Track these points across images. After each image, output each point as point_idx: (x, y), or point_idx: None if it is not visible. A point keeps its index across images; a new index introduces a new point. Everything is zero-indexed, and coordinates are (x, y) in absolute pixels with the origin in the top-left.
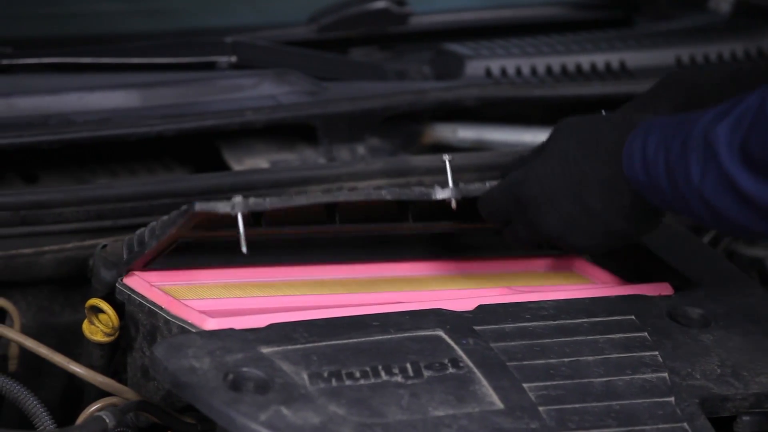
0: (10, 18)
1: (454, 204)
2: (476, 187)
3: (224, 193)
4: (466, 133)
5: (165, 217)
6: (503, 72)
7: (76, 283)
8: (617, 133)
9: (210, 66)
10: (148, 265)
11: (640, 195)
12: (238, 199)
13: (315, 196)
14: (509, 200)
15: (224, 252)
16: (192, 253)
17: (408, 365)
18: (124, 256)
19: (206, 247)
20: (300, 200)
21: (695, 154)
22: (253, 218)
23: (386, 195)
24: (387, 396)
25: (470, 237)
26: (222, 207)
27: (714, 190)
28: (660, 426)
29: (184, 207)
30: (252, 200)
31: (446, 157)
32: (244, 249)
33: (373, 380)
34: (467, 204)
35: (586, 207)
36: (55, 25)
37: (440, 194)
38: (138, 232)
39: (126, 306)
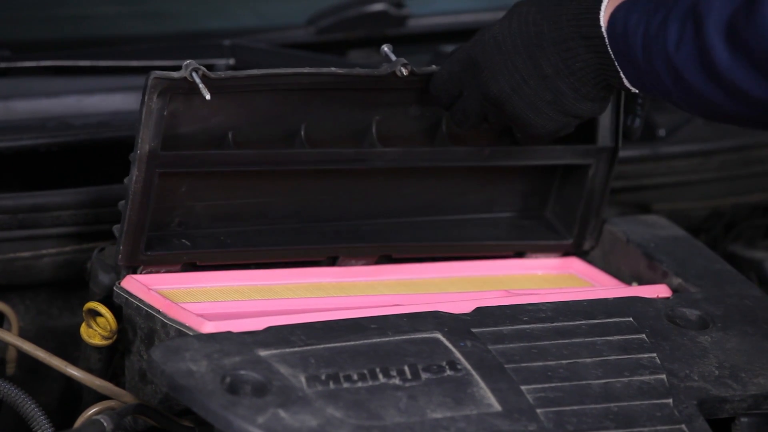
0: (8, 21)
1: (406, 71)
2: (429, 69)
3: None
4: None
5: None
6: None
7: (74, 286)
8: (582, 3)
9: (208, 69)
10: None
11: (606, 67)
12: (189, 62)
13: (269, 71)
14: (462, 64)
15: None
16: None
17: (406, 368)
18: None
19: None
20: (252, 72)
21: (675, 25)
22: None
23: (336, 70)
24: (385, 399)
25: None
26: (177, 74)
27: (686, 61)
28: (658, 428)
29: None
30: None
31: (385, 46)
32: (207, 96)
33: (370, 383)
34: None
35: (539, 68)
36: (54, 28)
37: (390, 68)
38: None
39: (124, 309)
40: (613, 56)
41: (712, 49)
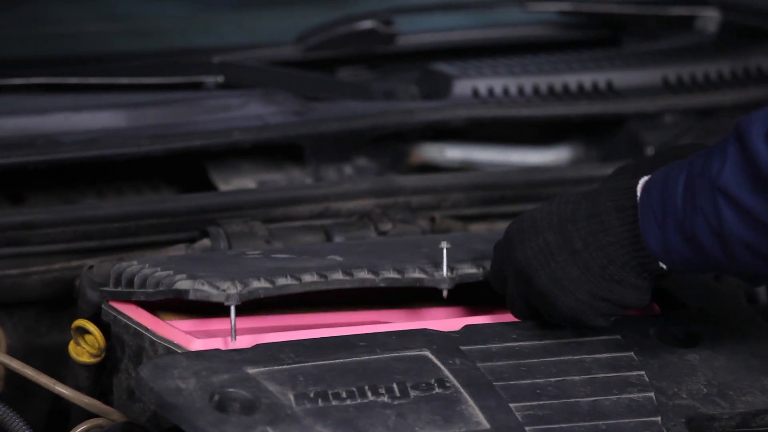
0: None
1: (445, 294)
2: (470, 273)
3: (211, 213)
4: (453, 152)
5: (159, 273)
6: (490, 92)
7: (62, 304)
8: (622, 180)
9: (197, 86)
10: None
11: (637, 244)
12: (232, 290)
13: (308, 284)
14: (501, 246)
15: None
16: None
17: (394, 385)
18: (111, 281)
19: None
20: (294, 288)
21: (717, 154)
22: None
23: (380, 282)
24: (373, 416)
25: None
26: (216, 296)
27: (731, 179)
28: None
29: (177, 286)
30: (246, 290)
31: (444, 245)
32: (233, 341)
33: (359, 400)
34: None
35: (569, 242)
36: (42, 45)
37: (433, 283)
38: (129, 269)
39: (112, 327)
40: (640, 223)
41: (758, 155)
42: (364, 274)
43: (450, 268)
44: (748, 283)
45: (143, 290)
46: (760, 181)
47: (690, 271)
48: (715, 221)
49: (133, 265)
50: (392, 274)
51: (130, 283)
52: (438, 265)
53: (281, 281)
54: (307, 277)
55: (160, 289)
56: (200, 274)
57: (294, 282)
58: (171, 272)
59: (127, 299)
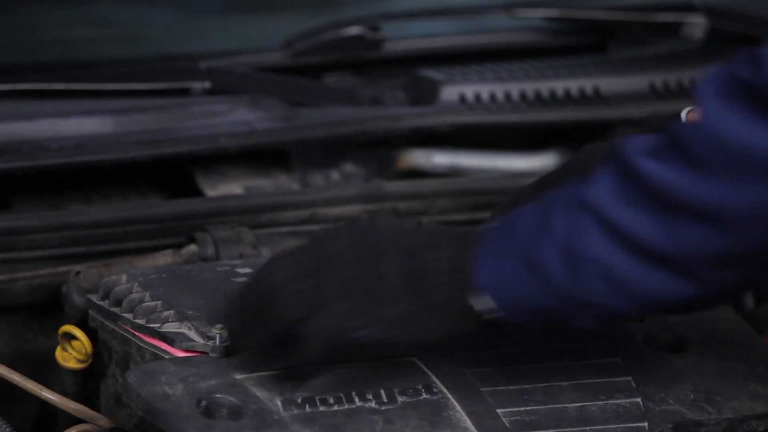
0: None
1: None
2: None
3: (198, 219)
4: (440, 158)
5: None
6: (477, 97)
7: (49, 309)
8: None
9: (184, 92)
10: None
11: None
12: (217, 341)
13: None
14: None
15: None
16: None
17: (382, 391)
18: (99, 294)
19: None
20: None
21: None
22: None
23: None
24: (361, 422)
25: None
26: (201, 347)
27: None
28: None
29: (165, 330)
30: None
31: None
32: None
33: (346, 406)
34: None
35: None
36: (29, 51)
37: None
38: (118, 289)
39: (99, 333)
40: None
41: (640, 170)
42: None
43: None
44: (582, 323)
45: (130, 320)
46: (638, 196)
47: (520, 309)
48: (570, 240)
49: (121, 284)
50: None
51: (118, 303)
52: None
53: None
54: None
55: (147, 326)
56: (188, 312)
57: None
58: (159, 304)
59: (113, 320)
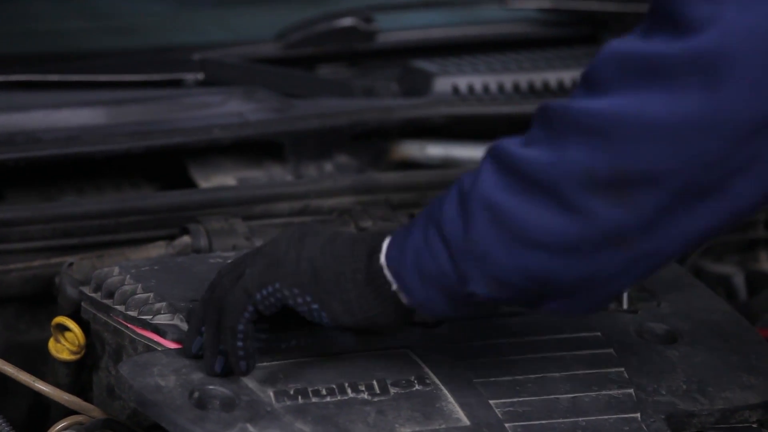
0: None
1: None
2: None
3: (191, 210)
4: (433, 150)
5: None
6: (470, 89)
7: (42, 301)
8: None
9: (177, 83)
10: None
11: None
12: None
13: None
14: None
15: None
16: None
17: (374, 382)
18: (91, 285)
19: None
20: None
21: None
22: None
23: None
24: (353, 413)
25: None
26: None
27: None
28: None
29: (156, 321)
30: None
31: None
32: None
33: (339, 397)
34: None
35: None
36: (22, 42)
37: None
38: (110, 281)
39: (91, 324)
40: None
41: (509, 151)
42: None
43: None
44: (477, 286)
45: (122, 312)
46: (514, 179)
47: (418, 282)
48: (468, 186)
49: (114, 276)
50: None
51: (110, 295)
52: None
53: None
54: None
55: (139, 318)
56: (180, 304)
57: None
58: (151, 296)
59: (105, 312)
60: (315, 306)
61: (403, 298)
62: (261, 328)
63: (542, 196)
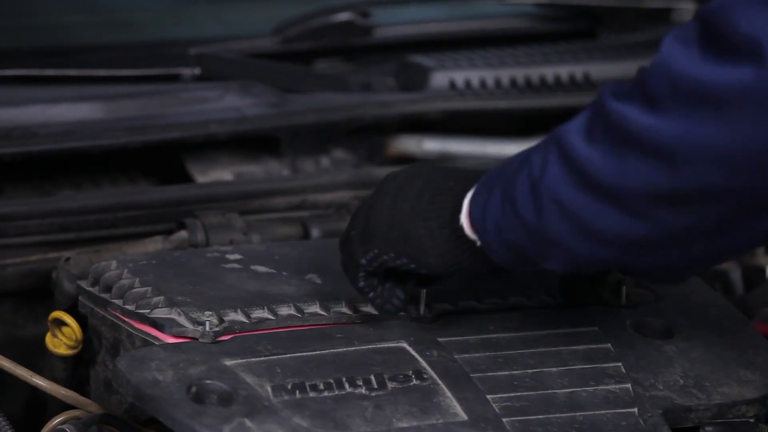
0: None
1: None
2: (449, 308)
3: (188, 205)
4: (430, 144)
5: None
6: (467, 84)
7: (39, 295)
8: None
9: (174, 78)
10: None
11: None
12: (207, 327)
13: (284, 319)
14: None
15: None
16: None
17: (372, 377)
18: (89, 280)
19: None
20: (270, 323)
21: (536, 155)
22: None
23: (356, 319)
24: (351, 408)
25: None
26: (191, 332)
27: (553, 178)
28: None
29: (154, 315)
30: (222, 326)
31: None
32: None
33: (336, 392)
34: None
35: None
36: (18, 37)
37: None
38: (108, 275)
39: (89, 319)
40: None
41: (573, 146)
42: (341, 308)
43: (428, 304)
44: (552, 264)
45: (120, 306)
46: (600, 132)
47: (497, 241)
48: (538, 174)
49: (111, 270)
50: (370, 309)
51: (107, 289)
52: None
53: (257, 314)
54: (284, 310)
55: (137, 312)
56: (178, 298)
57: (270, 317)
58: (149, 290)
59: (103, 306)
60: (413, 266)
61: (492, 256)
62: None
63: (608, 200)
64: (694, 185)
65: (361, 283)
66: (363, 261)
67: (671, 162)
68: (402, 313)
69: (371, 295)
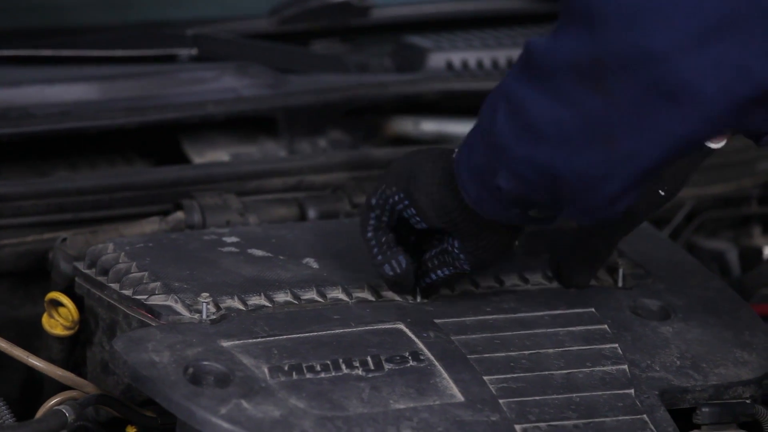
0: None
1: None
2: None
3: (185, 186)
4: (427, 125)
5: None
6: (464, 65)
7: (35, 276)
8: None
9: (171, 59)
10: None
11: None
12: (204, 314)
13: (281, 305)
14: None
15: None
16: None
17: (369, 358)
18: (86, 262)
19: None
20: (266, 310)
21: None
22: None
23: (353, 305)
24: (348, 389)
25: None
26: (188, 319)
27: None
28: (620, 418)
29: (151, 302)
30: (219, 314)
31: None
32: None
33: (333, 373)
34: None
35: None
36: (15, 17)
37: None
38: (105, 258)
39: (85, 300)
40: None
41: (529, 41)
42: (338, 294)
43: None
44: (503, 180)
45: (117, 290)
46: (527, 67)
47: (469, 177)
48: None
49: (108, 253)
50: (366, 294)
51: (104, 272)
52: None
53: (254, 300)
54: (281, 296)
55: (134, 298)
56: (175, 284)
57: (267, 303)
58: (146, 275)
59: (99, 288)
60: (407, 202)
61: (465, 196)
62: None
63: (543, 84)
64: (611, 54)
65: (369, 233)
66: (373, 201)
67: (591, 26)
68: (398, 299)
69: (375, 250)
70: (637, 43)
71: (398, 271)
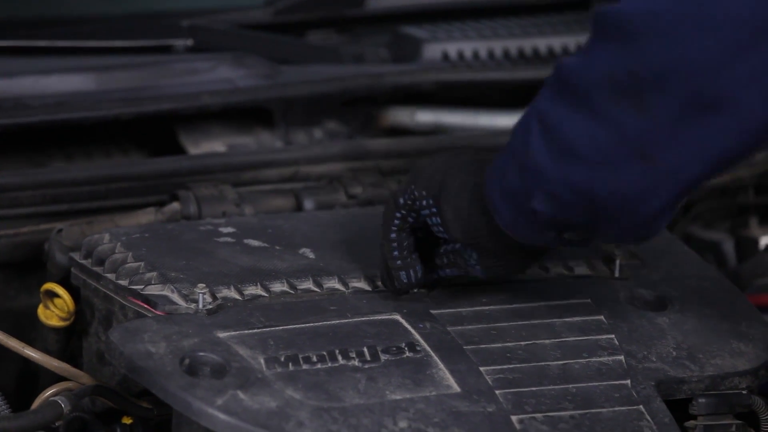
0: None
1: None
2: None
3: (181, 176)
4: (423, 116)
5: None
6: (460, 55)
7: (31, 267)
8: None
9: (167, 49)
10: None
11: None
12: (200, 304)
13: (277, 295)
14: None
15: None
16: None
17: (365, 349)
18: (82, 252)
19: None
20: (262, 300)
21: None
22: None
23: (349, 295)
24: (344, 380)
25: None
26: (185, 309)
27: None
28: (616, 408)
29: (147, 292)
30: (215, 303)
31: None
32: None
33: (330, 364)
34: None
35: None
36: (9, 7)
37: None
38: (101, 248)
39: (81, 291)
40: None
41: (560, 62)
42: (334, 284)
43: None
44: (539, 203)
45: (113, 281)
46: (559, 87)
47: (500, 199)
48: (534, 101)
49: (104, 243)
50: (363, 284)
51: (100, 262)
52: None
53: (250, 290)
54: (277, 287)
55: (130, 288)
56: (171, 274)
57: (263, 293)
58: (142, 265)
59: (95, 279)
60: (434, 210)
61: (497, 219)
62: None
63: (577, 104)
64: (646, 67)
65: (393, 234)
66: (401, 200)
67: (626, 42)
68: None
69: (395, 253)
70: (674, 56)
71: (413, 280)
